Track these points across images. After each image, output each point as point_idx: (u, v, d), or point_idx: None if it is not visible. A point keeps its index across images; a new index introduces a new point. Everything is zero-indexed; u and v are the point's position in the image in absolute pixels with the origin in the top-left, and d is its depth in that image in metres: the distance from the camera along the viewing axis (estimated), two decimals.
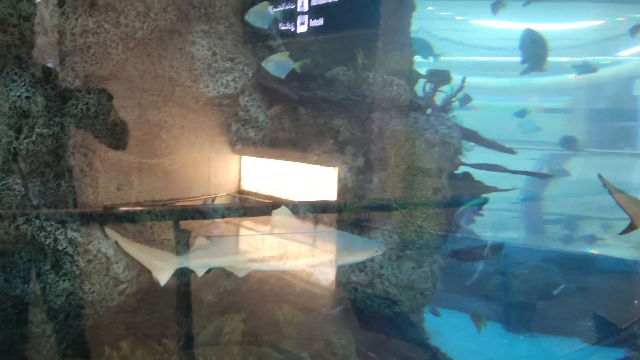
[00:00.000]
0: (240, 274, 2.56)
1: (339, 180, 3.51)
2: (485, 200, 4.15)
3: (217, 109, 2.97)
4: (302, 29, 2.88)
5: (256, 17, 2.64)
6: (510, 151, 4.81)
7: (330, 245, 2.75)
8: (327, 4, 2.80)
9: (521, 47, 5.19)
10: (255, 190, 3.29)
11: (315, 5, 2.80)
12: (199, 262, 2.50)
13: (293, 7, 2.83)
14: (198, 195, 2.88)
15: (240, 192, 3.35)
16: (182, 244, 2.52)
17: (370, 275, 3.55)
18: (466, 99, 5.53)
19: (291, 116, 3.33)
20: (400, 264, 3.56)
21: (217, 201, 2.94)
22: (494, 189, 4.43)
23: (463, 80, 4.76)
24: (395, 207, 3.56)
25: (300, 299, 3.32)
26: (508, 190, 4.21)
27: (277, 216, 2.58)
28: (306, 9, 2.82)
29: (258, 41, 3.48)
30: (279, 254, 2.59)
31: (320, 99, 3.42)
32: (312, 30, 2.93)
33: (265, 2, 2.68)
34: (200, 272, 2.51)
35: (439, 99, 4.70)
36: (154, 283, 2.40)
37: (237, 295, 3.13)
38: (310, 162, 3.39)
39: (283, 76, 2.77)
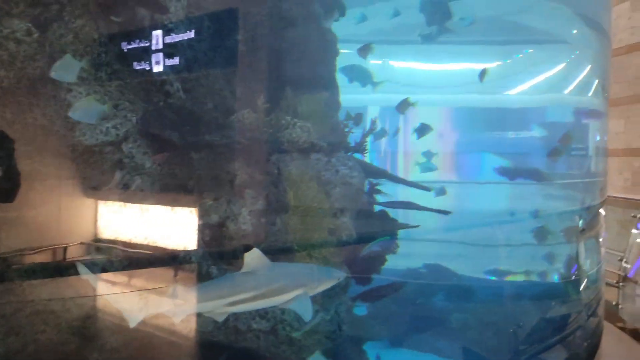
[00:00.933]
0: (220, 319, 2.68)
1: (237, 224, 3.45)
2: (391, 237, 4.18)
3: (98, 157, 2.87)
4: (157, 68, 2.84)
5: (61, 71, 2.57)
6: (422, 188, 4.89)
7: (300, 279, 2.83)
8: (184, 42, 2.77)
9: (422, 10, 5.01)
10: (130, 239, 3.17)
11: (172, 43, 2.77)
12: (174, 309, 2.62)
13: (147, 44, 2.80)
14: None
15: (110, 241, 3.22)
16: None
17: (272, 321, 3.45)
18: (425, 129, 5.40)
19: (183, 162, 3.26)
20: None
21: (69, 250, 2.81)
22: (404, 226, 4.48)
23: (372, 122, 4.85)
24: (297, 249, 3.51)
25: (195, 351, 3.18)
26: (415, 226, 4.24)
27: (249, 257, 2.69)
28: (161, 46, 2.78)
29: (151, 86, 3.43)
30: (254, 295, 2.68)
31: (215, 144, 3.38)
32: (169, 68, 2.87)
33: (67, 55, 2.64)
34: (177, 319, 2.65)
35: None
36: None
37: (126, 351, 2.95)
38: (203, 208, 3.32)
39: (94, 121, 2.72)
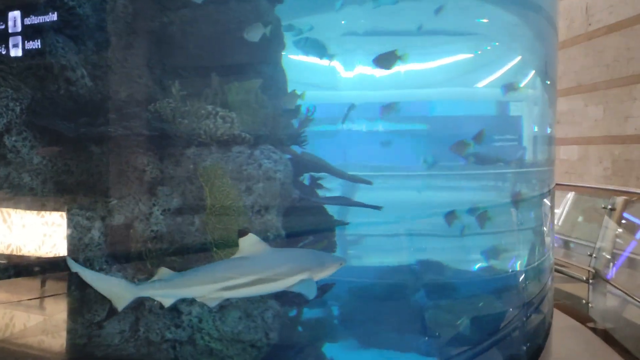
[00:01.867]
0: (212, 304, 2.66)
1: (148, 224, 3.12)
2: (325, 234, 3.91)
3: None
4: (15, 52, 2.51)
5: None
6: (364, 181, 4.65)
7: (303, 264, 2.78)
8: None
9: None
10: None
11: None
12: (161, 292, 2.60)
13: (2, 27, 2.46)
14: None
15: None
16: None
17: (189, 330, 3.13)
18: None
19: (80, 157, 2.92)
20: (225, 315, 3.18)
21: None
22: (339, 223, 4.22)
23: (308, 110, 4.57)
24: (215, 251, 3.20)
25: None
26: (345, 223, 4.00)
27: (244, 243, 2.68)
28: (19, 29, 2.45)
29: (47, 73, 3.07)
30: (252, 280, 2.64)
31: (120, 136, 3.04)
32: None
33: None
34: (166, 303, 2.63)
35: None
36: None
37: None
38: (105, 208, 2.98)
39: None
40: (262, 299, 3.32)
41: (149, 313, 3.07)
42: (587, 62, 10.81)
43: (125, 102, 3.45)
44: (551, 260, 4.83)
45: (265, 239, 3.39)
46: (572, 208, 8.23)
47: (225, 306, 3.20)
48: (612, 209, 6.95)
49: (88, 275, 2.67)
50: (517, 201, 4.39)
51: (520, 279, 4.11)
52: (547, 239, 4.59)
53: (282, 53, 4.76)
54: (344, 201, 4.13)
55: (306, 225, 3.92)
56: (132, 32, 3.47)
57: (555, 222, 7.36)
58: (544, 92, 4.55)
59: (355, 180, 4.52)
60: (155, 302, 3.08)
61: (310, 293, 2.64)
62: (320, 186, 4.84)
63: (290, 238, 3.57)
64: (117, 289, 2.60)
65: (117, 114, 3.33)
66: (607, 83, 11.67)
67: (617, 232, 6.81)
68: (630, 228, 6.87)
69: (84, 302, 2.88)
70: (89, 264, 2.85)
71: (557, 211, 7.11)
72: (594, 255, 6.75)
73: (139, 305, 3.06)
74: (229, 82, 3.99)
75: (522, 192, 4.53)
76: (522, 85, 4.46)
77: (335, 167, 4.64)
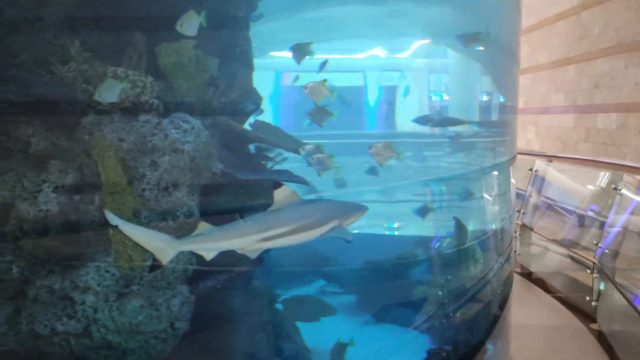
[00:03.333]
0: (253, 255, 2.74)
1: (36, 203, 2.76)
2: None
3: None
4: None
5: None
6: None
7: (331, 213, 2.89)
8: None
9: None
10: None
11: None
12: (202, 246, 2.67)
13: None
14: None
15: None
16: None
17: (84, 321, 2.81)
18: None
19: None
20: (123, 304, 2.85)
21: None
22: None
23: None
24: (112, 231, 2.85)
25: None
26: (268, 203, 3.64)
27: (279, 195, 2.77)
28: None
29: None
30: (289, 230, 2.73)
31: None
32: None
33: None
34: (207, 256, 2.69)
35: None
36: None
37: None
38: None
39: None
40: (170, 285, 2.99)
41: (34, 303, 2.74)
42: (630, 17, 8.77)
43: (17, 65, 3.04)
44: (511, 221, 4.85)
45: (173, 218, 3.05)
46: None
47: (125, 294, 2.87)
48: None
49: (129, 229, 2.62)
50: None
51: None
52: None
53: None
54: (276, 176, 3.76)
55: (234, 204, 3.56)
56: None
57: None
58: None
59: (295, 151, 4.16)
60: (42, 290, 2.77)
61: (346, 236, 2.78)
62: (267, 158, 4.48)
63: (207, 218, 3.23)
64: (160, 243, 2.60)
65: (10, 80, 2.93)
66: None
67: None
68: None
69: None
70: None
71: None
72: (522, 211, 7.78)
73: (19, 293, 2.72)
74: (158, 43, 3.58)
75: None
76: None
77: (291, 137, 4.26)
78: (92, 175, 2.90)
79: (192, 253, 3.06)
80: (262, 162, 4.45)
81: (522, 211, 7.76)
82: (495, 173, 4.47)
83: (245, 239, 2.71)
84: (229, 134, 3.88)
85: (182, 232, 3.06)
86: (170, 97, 3.46)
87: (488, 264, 4.28)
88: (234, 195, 3.55)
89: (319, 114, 3.91)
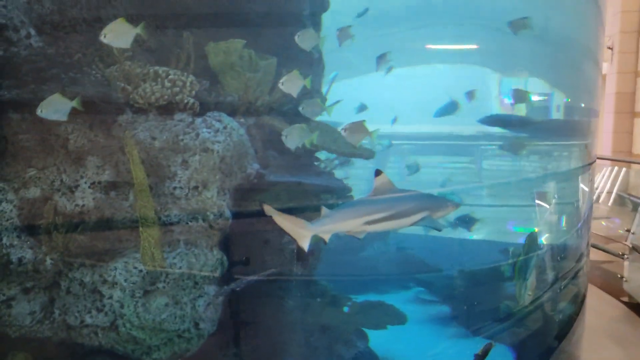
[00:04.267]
0: (360, 236, 2.82)
1: (73, 198, 2.86)
2: None
3: None
4: None
5: None
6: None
7: (423, 203, 2.99)
8: None
9: None
10: None
11: None
12: (325, 229, 2.78)
13: None
14: None
15: None
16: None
17: (111, 315, 2.87)
18: None
19: None
20: (149, 301, 2.88)
21: None
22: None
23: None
24: (141, 230, 2.88)
25: None
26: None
27: (378, 182, 2.91)
28: None
29: None
30: (387, 215, 2.84)
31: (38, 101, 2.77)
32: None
33: None
34: (326, 238, 2.80)
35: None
36: None
37: None
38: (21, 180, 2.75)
39: None
40: (197, 285, 2.98)
41: (66, 294, 2.84)
42: None
43: (67, 65, 3.18)
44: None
45: (204, 219, 3.04)
46: None
47: (151, 291, 2.90)
48: None
49: (278, 217, 2.76)
50: None
51: None
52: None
53: None
54: (313, 179, 3.65)
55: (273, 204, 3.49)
56: None
57: None
58: None
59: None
60: (74, 283, 2.86)
61: (437, 226, 2.88)
62: (318, 160, 4.39)
63: (240, 219, 3.19)
64: (300, 229, 2.74)
65: (56, 79, 3.07)
66: None
67: None
68: None
69: None
70: None
71: None
72: (632, 231, 6.51)
73: (53, 284, 2.84)
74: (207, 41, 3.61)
75: None
76: None
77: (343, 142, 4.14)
78: (128, 172, 2.96)
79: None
80: (314, 163, 4.38)
81: (632, 231, 6.46)
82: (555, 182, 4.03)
83: (355, 222, 2.81)
84: (274, 135, 3.82)
85: (211, 233, 3.05)
86: (214, 97, 3.49)
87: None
88: (272, 196, 3.49)
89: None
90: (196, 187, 2.99)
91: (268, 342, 3.54)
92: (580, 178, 4.44)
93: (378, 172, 2.93)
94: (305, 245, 2.74)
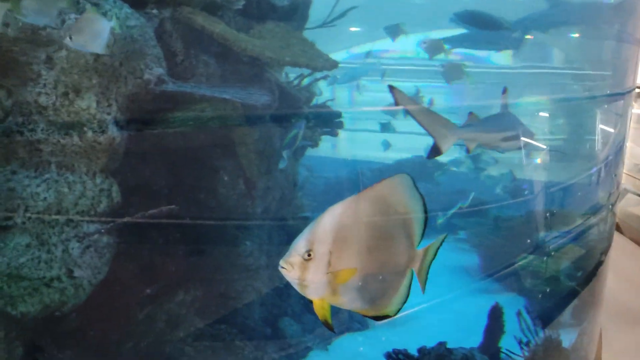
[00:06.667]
0: (500, 150, 2.83)
1: None
2: None
3: None
4: None
5: None
6: None
7: (526, 131, 2.90)
8: None
9: None
10: None
11: None
12: (471, 136, 2.61)
13: None
14: None
15: None
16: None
17: None
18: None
19: None
20: (4, 240, 2.23)
21: None
22: None
23: None
24: None
25: None
26: None
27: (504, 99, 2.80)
28: None
29: None
30: (515, 134, 2.76)
31: None
32: None
33: None
34: (470, 147, 2.64)
35: None
36: None
37: None
38: None
39: None
40: (70, 222, 2.31)
41: None
42: None
43: None
44: None
45: (79, 136, 2.32)
46: None
47: (8, 227, 2.25)
48: None
49: (416, 110, 2.47)
50: None
51: None
52: None
53: None
54: None
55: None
56: None
57: None
58: None
59: None
60: None
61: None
62: None
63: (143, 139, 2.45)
64: (444, 129, 2.45)
65: None
66: None
67: None
68: None
69: None
70: None
71: None
72: None
73: None
74: None
75: None
76: None
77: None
78: None
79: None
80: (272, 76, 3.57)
81: None
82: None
83: (495, 135, 2.70)
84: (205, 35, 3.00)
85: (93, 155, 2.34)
86: None
87: None
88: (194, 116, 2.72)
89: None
90: (66, 94, 2.25)
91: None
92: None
93: (504, 90, 2.79)
94: (445, 148, 2.42)
